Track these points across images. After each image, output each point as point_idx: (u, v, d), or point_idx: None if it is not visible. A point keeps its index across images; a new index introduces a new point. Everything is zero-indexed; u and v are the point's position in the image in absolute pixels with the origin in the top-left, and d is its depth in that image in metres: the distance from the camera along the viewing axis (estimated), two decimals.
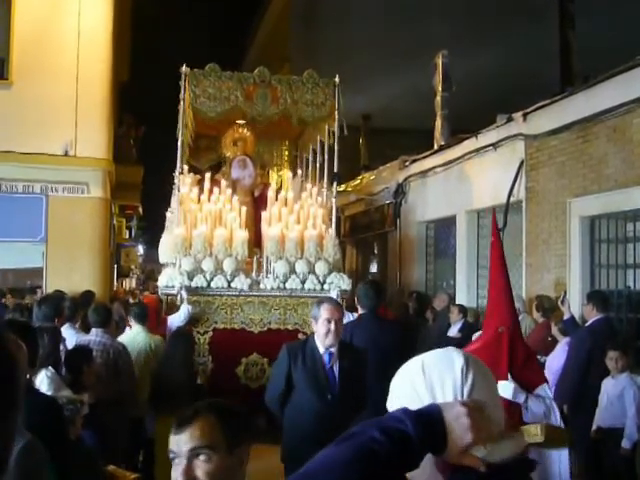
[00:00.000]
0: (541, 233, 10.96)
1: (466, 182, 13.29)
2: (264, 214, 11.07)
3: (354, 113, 10.99)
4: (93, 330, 7.93)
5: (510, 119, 11.72)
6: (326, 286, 10.66)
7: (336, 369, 5.76)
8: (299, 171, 12.76)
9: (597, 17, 17.25)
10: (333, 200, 11.54)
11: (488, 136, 12.46)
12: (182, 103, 11.01)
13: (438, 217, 14.67)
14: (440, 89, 15.90)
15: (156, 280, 17.77)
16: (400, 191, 16.05)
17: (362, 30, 20.23)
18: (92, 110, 14.25)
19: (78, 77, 14.10)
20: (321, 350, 5.76)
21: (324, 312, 5.68)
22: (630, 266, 9.52)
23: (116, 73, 16.71)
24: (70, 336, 8.01)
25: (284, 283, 10.58)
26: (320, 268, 10.65)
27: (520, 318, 10.12)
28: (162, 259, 11.55)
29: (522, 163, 11.40)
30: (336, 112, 11.24)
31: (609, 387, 7.77)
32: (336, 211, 11.65)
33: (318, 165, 12.30)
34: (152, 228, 28.25)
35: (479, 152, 12.76)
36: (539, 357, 9.47)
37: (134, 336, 8.75)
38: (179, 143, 11.13)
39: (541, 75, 16.59)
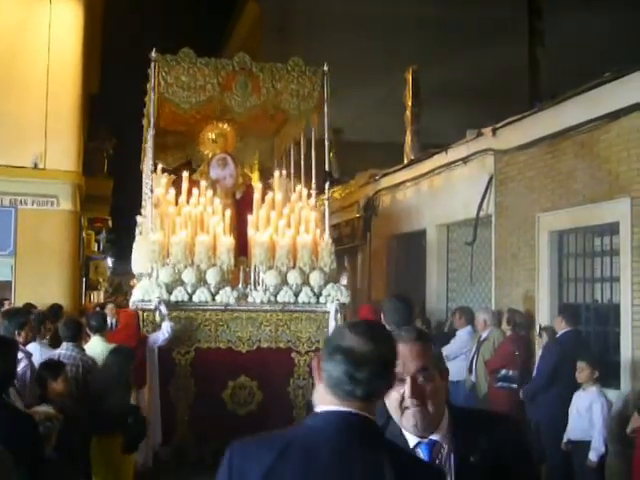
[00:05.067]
0: (510, 247, 11.07)
1: (436, 196, 13.38)
2: (250, 218, 10.04)
3: (310, 136, 10.66)
4: (64, 344, 7.77)
5: (480, 134, 11.84)
6: (322, 299, 9.66)
7: (452, 469, 2.81)
8: (284, 171, 11.41)
9: (566, 34, 17.50)
10: (326, 202, 10.59)
11: (458, 151, 12.57)
12: (151, 93, 9.82)
13: (408, 231, 14.74)
14: (410, 104, 16.03)
15: (124, 293, 17.66)
16: (370, 205, 16.13)
17: (332, 44, 20.34)
18: (62, 123, 14.18)
19: (48, 89, 14.03)
20: (412, 443, 2.83)
21: None
22: (598, 280, 9.64)
23: (86, 85, 16.64)
24: (35, 351, 7.84)
25: (275, 296, 9.54)
26: (315, 279, 9.63)
27: (488, 331, 10.31)
28: (136, 269, 10.46)
29: (491, 178, 11.51)
30: (325, 104, 10.21)
31: (579, 400, 7.88)
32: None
33: (303, 164, 11.16)
34: (121, 241, 28.06)
35: (449, 167, 12.85)
36: (505, 371, 9.61)
37: (93, 347, 8.36)
38: (149, 137, 10.00)
39: (510, 91, 16.79)
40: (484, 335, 10.39)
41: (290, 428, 2.37)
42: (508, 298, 10.95)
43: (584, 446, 7.70)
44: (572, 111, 9.61)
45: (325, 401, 2.25)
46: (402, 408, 2.77)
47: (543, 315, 10.11)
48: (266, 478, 2.18)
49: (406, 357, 2.77)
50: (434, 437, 2.83)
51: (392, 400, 2.78)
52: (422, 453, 2.80)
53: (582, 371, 7.87)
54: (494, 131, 11.42)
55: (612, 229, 9.05)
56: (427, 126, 15.78)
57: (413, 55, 17.12)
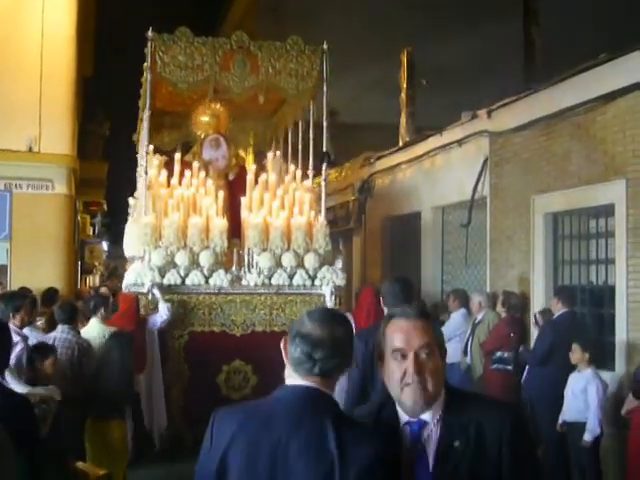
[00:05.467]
0: (505, 229, 11.07)
1: (431, 179, 13.37)
2: (244, 200, 9.97)
3: (308, 117, 10.57)
4: (59, 327, 7.77)
5: (475, 116, 11.82)
6: (317, 281, 9.61)
7: (430, 460, 2.73)
8: (278, 152, 11.34)
9: (563, 14, 17.40)
10: (323, 183, 10.37)
11: (453, 133, 12.55)
12: (147, 73, 9.77)
13: (403, 213, 14.73)
14: (405, 86, 15.99)
15: (119, 277, 17.61)
16: (365, 187, 16.11)
17: (327, 25, 20.23)
18: (56, 106, 14.13)
19: (42, 73, 13.97)
20: (402, 421, 2.81)
21: (393, 336, 2.79)
22: (593, 262, 9.64)
23: (80, 68, 16.56)
24: (29, 335, 7.84)
25: (269, 279, 9.50)
26: (310, 261, 9.59)
27: (483, 313, 10.33)
28: (128, 252, 10.42)
29: (486, 160, 11.50)
30: (324, 84, 10.07)
31: (573, 381, 7.90)
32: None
33: (301, 144, 10.99)
34: (116, 224, 28.04)
35: (444, 149, 12.84)
36: (501, 353, 9.64)
37: (90, 330, 8.32)
38: (145, 118, 9.86)
39: (506, 72, 16.72)
40: (479, 317, 10.41)
41: (263, 398, 2.75)
42: (503, 280, 10.96)
43: (579, 427, 7.73)
44: (568, 92, 9.58)
45: (291, 377, 2.69)
46: (403, 384, 2.72)
47: (538, 297, 10.12)
48: (231, 441, 2.62)
49: (409, 333, 2.75)
50: (424, 417, 2.76)
51: (393, 376, 2.75)
52: (409, 432, 2.77)
53: (574, 352, 7.90)
54: (489, 113, 11.40)
55: (607, 211, 9.04)
56: (422, 108, 15.73)
57: (408, 37, 17.04)
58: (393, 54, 16.25)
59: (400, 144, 15.36)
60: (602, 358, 8.53)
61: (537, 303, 10.07)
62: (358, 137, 19.81)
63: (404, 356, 2.73)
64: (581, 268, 9.81)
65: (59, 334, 7.64)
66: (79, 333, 7.96)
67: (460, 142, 12.27)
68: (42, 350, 6.79)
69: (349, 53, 19.92)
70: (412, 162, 14.07)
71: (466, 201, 11.89)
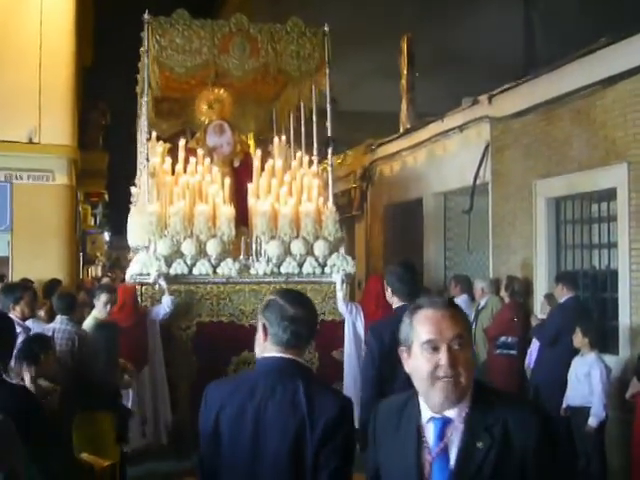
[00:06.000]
0: (507, 215, 11.06)
1: (432, 165, 13.35)
2: (250, 186, 9.75)
3: (311, 101, 10.45)
4: (58, 317, 7.58)
5: (476, 102, 11.79)
6: (327, 269, 9.44)
7: (452, 460, 2.58)
8: (283, 137, 11.06)
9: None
10: (329, 169, 10.25)
11: (454, 119, 12.52)
12: (145, 57, 9.54)
13: (405, 200, 14.71)
14: (405, 72, 15.95)
15: (122, 268, 17.57)
16: (367, 175, 16.09)
17: (327, 10, 20.15)
18: (56, 96, 14.06)
19: (41, 63, 13.90)
20: (424, 417, 2.66)
21: (423, 327, 2.62)
22: (595, 246, 9.64)
23: (80, 58, 16.51)
24: (33, 327, 7.77)
25: (278, 267, 9.31)
26: (319, 248, 9.41)
27: (486, 299, 10.34)
28: (132, 242, 10.19)
29: (488, 145, 11.48)
30: (326, 66, 9.93)
31: (577, 366, 7.90)
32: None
33: (303, 130, 10.81)
34: (118, 215, 28.02)
35: (445, 135, 12.82)
36: (505, 338, 9.64)
37: (86, 322, 8.13)
38: (143, 103, 9.70)
39: (507, 57, 16.68)
40: (482, 303, 10.41)
41: (248, 370, 3.35)
42: (506, 266, 10.96)
43: (583, 412, 7.72)
44: (568, 77, 9.55)
45: (269, 351, 3.17)
46: (433, 378, 2.54)
47: (541, 282, 10.12)
48: (221, 409, 3.15)
49: (441, 323, 2.58)
50: (450, 414, 2.59)
51: (421, 370, 2.58)
52: (432, 430, 2.62)
53: (576, 335, 7.90)
54: (490, 98, 11.36)
55: (609, 195, 9.03)
56: (423, 94, 15.68)
57: (408, 23, 16.99)
58: (393, 40, 16.17)
59: (401, 131, 15.32)
60: (605, 342, 8.54)
61: (540, 288, 10.07)
62: (358, 124, 19.74)
63: (435, 348, 2.55)
64: (584, 253, 9.80)
65: (58, 325, 7.49)
66: (78, 324, 7.86)
67: (461, 128, 12.25)
68: (45, 344, 6.72)
69: (348, 39, 19.88)
70: (413, 149, 14.05)
71: (468, 187, 11.88)
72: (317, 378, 3.32)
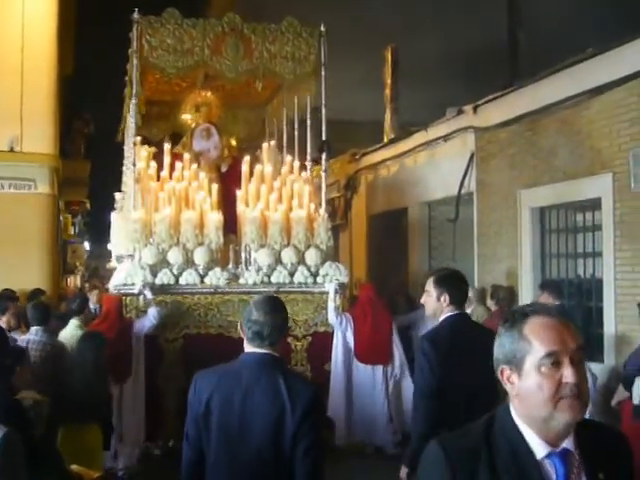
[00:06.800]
0: (492, 224, 11.09)
1: (417, 174, 13.36)
2: (239, 193, 9.47)
3: (304, 105, 10.33)
4: (32, 329, 7.43)
5: (460, 112, 11.82)
6: (319, 278, 9.18)
7: None
8: (272, 142, 10.71)
9: (547, 11, 17.42)
10: (323, 174, 9.94)
11: (438, 129, 12.56)
12: (133, 58, 9.25)
13: (390, 209, 14.71)
14: (389, 82, 15.98)
15: (100, 278, 17.42)
16: (351, 184, 16.09)
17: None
18: (37, 105, 13.97)
19: (23, 71, 13.81)
20: (541, 453, 2.19)
21: (542, 337, 2.22)
22: (580, 255, 9.69)
23: (62, 67, 16.43)
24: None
25: (269, 276, 9.05)
26: (311, 257, 9.18)
27: (472, 308, 10.34)
28: (116, 251, 9.96)
29: (473, 155, 11.52)
30: (322, 68, 9.75)
31: None
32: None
33: (297, 134, 10.49)
34: (98, 224, 27.86)
35: (430, 145, 12.85)
36: None
37: (65, 331, 8.10)
38: (131, 107, 9.36)
39: (491, 68, 16.73)
40: (468, 312, 10.38)
41: (231, 362, 3.86)
42: (491, 275, 10.98)
43: None
44: (553, 87, 9.61)
45: (249, 347, 3.72)
46: (557, 398, 2.11)
47: (526, 291, 10.15)
48: (211, 395, 3.66)
49: (563, 333, 2.18)
50: (565, 445, 2.18)
51: (540, 391, 2.14)
52: (554, 467, 2.17)
53: None
54: (475, 108, 11.40)
55: (594, 205, 9.07)
56: (407, 104, 15.71)
57: (392, 32, 17.00)
58: (377, 50, 16.20)
59: (385, 140, 15.34)
60: (591, 350, 8.55)
61: (525, 297, 10.09)
62: (342, 134, 19.72)
63: (556, 363, 2.13)
64: (568, 262, 9.84)
65: (32, 336, 7.35)
66: (53, 334, 7.69)
67: (446, 138, 12.28)
68: (19, 356, 6.55)
69: (331, 48, 19.89)
70: (398, 158, 14.07)
71: (453, 197, 11.91)
72: (290, 369, 4.08)
